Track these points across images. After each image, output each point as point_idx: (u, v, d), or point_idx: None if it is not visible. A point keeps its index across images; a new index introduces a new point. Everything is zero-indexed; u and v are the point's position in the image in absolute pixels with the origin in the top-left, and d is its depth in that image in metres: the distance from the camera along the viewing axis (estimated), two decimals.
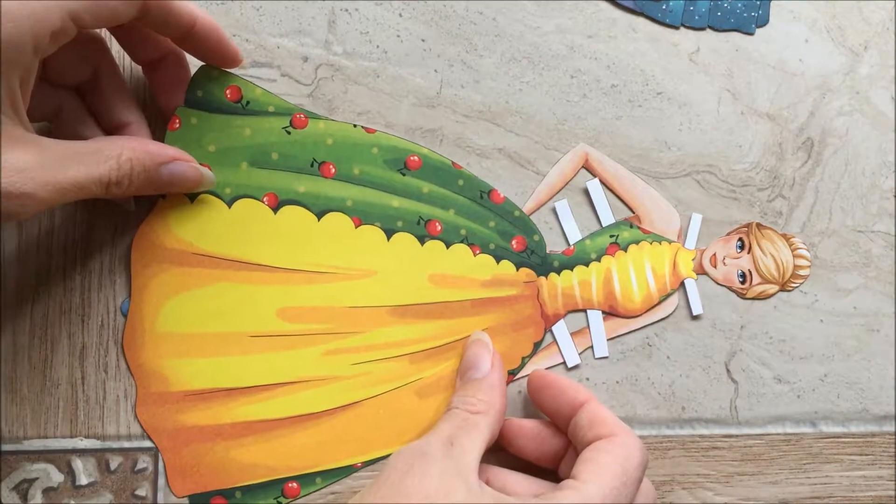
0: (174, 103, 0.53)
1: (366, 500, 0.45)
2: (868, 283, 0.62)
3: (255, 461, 0.54)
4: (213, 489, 0.54)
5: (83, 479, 0.54)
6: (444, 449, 0.47)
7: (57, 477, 0.54)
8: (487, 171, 0.58)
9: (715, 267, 0.60)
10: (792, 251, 0.61)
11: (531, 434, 0.54)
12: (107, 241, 0.55)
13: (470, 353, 0.54)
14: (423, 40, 0.58)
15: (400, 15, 0.58)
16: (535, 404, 0.54)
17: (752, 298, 0.60)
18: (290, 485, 0.55)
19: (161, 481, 0.54)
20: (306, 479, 0.55)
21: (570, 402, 0.52)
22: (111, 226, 0.55)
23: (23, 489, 0.53)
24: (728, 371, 0.60)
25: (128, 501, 0.54)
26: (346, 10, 0.57)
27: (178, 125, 0.54)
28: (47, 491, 0.54)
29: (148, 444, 0.54)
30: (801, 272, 0.61)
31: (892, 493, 0.61)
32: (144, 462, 0.54)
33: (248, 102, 0.55)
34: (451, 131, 0.58)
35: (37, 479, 0.54)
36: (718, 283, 0.60)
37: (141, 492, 0.54)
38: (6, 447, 0.53)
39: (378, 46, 0.58)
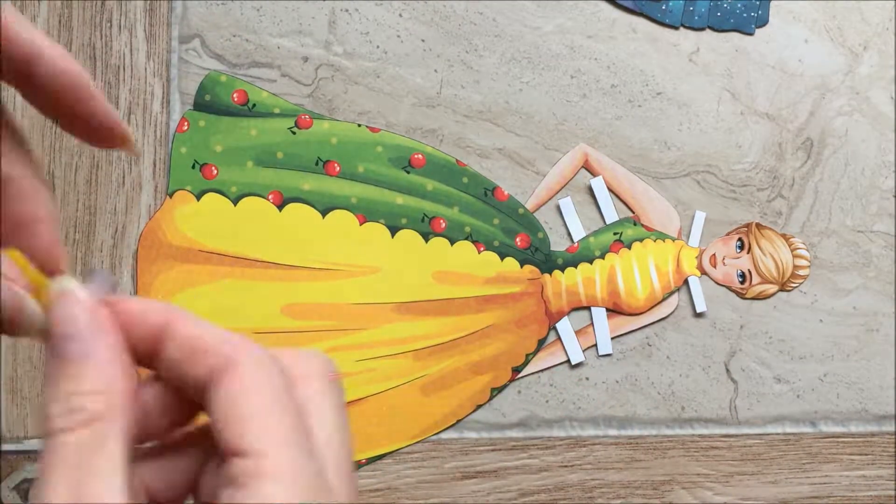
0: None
1: None
2: (867, 283, 0.63)
3: None
4: None
5: None
6: None
7: None
8: (487, 171, 0.60)
9: (715, 267, 0.62)
10: (791, 251, 0.62)
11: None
12: (107, 241, 0.56)
13: (58, 313, 0.31)
14: (423, 40, 0.60)
15: (400, 15, 0.60)
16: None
17: (752, 298, 0.62)
18: None
19: None
20: None
21: (147, 331, 0.32)
22: (112, 226, 0.56)
23: (23, 489, 0.55)
24: (728, 371, 0.61)
25: None
26: (346, 11, 0.59)
27: (186, 127, 0.57)
28: None
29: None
30: (801, 272, 0.62)
31: (892, 492, 0.62)
32: None
33: (254, 105, 0.57)
34: (451, 131, 0.60)
35: (37, 478, 0.54)
36: (718, 283, 0.62)
37: None
38: (7, 447, 0.55)
39: (378, 46, 0.60)
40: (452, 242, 0.59)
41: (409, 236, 0.58)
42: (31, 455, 0.55)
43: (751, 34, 0.63)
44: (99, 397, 0.31)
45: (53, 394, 0.31)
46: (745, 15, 0.63)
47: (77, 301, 0.32)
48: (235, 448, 0.29)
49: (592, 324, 0.60)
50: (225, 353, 0.30)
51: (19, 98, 0.54)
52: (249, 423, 0.29)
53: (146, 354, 0.32)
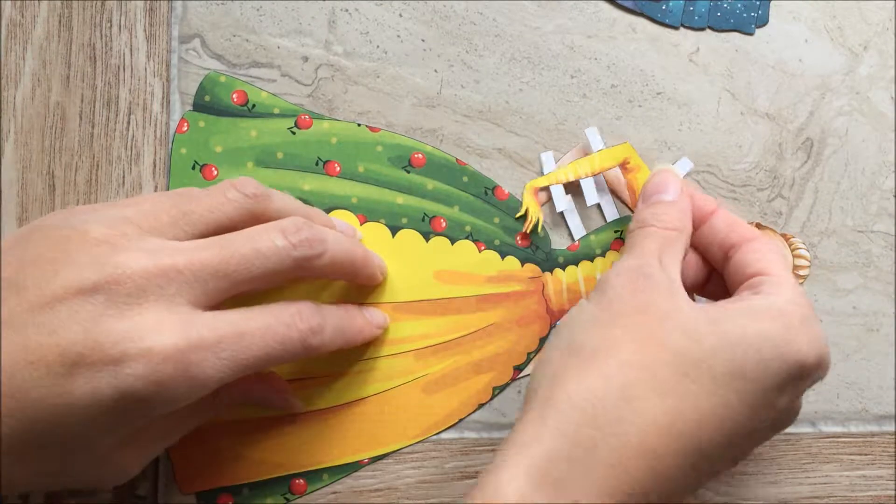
0: None
1: (603, 323, 0.48)
2: (868, 283, 0.63)
3: (262, 458, 0.57)
4: (221, 486, 0.56)
5: None
6: (659, 266, 0.49)
7: None
8: (487, 171, 0.60)
9: None
10: (792, 251, 0.62)
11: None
12: None
13: (657, 179, 0.55)
14: (423, 40, 0.60)
15: (400, 15, 0.60)
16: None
17: None
18: (297, 481, 0.57)
19: (162, 480, 0.56)
20: (313, 476, 0.57)
21: (699, 209, 0.54)
22: None
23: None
24: None
25: (128, 501, 0.56)
26: (346, 10, 0.60)
27: (185, 128, 0.57)
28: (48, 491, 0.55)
29: None
30: (801, 272, 0.62)
31: (892, 493, 0.62)
32: None
33: (253, 105, 0.58)
34: (451, 131, 0.60)
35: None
36: None
37: (141, 491, 0.56)
38: None
39: (378, 46, 0.60)
40: (453, 241, 0.59)
41: (409, 236, 0.59)
42: None
43: (751, 34, 0.63)
44: (676, 220, 0.52)
45: (645, 210, 0.53)
46: (745, 15, 0.63)
47: (671, 172, 0.55)
48: (763, 271, 0.50)
49: None
50: (751, 231, 0.53)
51: (19, 98, 0.54)
52: (772, 262, 0.51)
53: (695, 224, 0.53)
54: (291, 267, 0.47)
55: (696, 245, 0.54)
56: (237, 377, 0.45)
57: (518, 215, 0.60)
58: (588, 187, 0.61)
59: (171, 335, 0.42)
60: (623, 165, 0.61)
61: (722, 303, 0.49)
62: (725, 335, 0.46)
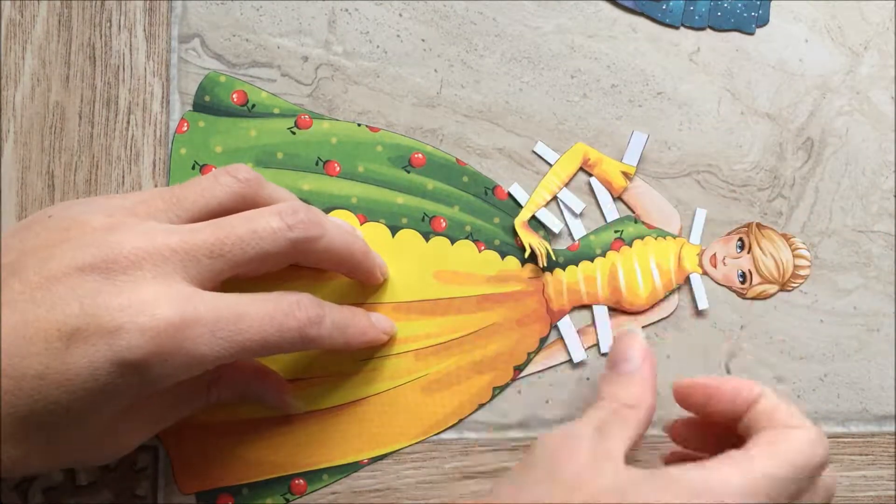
0: None
1: (516, 480, 0.47)
2: (868, 283, 0.64)
3: (261, 458, 0.57)
4: (220, 486, 0.56)
5: (83, 479, 0.56)
6: (592, 433, 0.47)
7: (57, 476, 0.56)
8: (487, 170, 0.61)
9: (715, 267, 0.62)
10: (792, 251, 0.63)
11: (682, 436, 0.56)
12: None
13: (621, 344, 0.54)
14: (423, 40, 0.61)
15: (400, 15, 0.60)
16: (700, 413, 0.54)
17: (752, 298, 0.62)
18: (296, 481, 0.57)
19: (161, 480, 0.57)
20: (313, 476, 0.57)
21: (744, 401, 0.50)
22: None
23: (23, 488, 0.55)
24: (728, 371, 0.62)
25: (128, 501, 0.56)
26: (346, 10, 0.60)
27: (185, 128, 0.57)
28: (47, 490, 0.55)
29: (148, 442, 0.55)
30: (802, 272, 0.63)
31: (892, 493, 0.62)
32: (144, 461, 0.56)
33: (253, 105, 0.58)
34: (451, 131, 0.60)
35: (37, 478, 0.56)
36: (718, 283, 0.62)
37: (141, 491, 0.56)
38: None
39: (378, 46, 0.60)
40: (453, 241, 0.59)
41: (409, 236, 0.59)
42: None
43: (751, 34, 0.64)
44: (634, 397, 0.50)
45: (608, 382, 0.52)
46: (745, 15, 0.63)
47: (636, 338, 0.54)
48: (786, 423, 0.48)
49: (594, 322, 0.61)
50: (754, 389, 0.50)
51: (19, 98, 0.55)
52: (789, 415, 0.49)
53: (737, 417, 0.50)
54: (288, 249, 0.48)
55: (743, 433, 0.50)
56: (234, 359, 0.45)
57: (526, 255, 0.60)
58: (569, 198, 0.61)
59: (167, 308, 0.42)
60: (585, 164, 0.61)
61: (658, 470, 0.45)
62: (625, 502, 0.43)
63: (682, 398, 0.53)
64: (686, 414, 0.55)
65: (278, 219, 0.47)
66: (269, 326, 0.46)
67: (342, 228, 0.52)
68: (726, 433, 0.51)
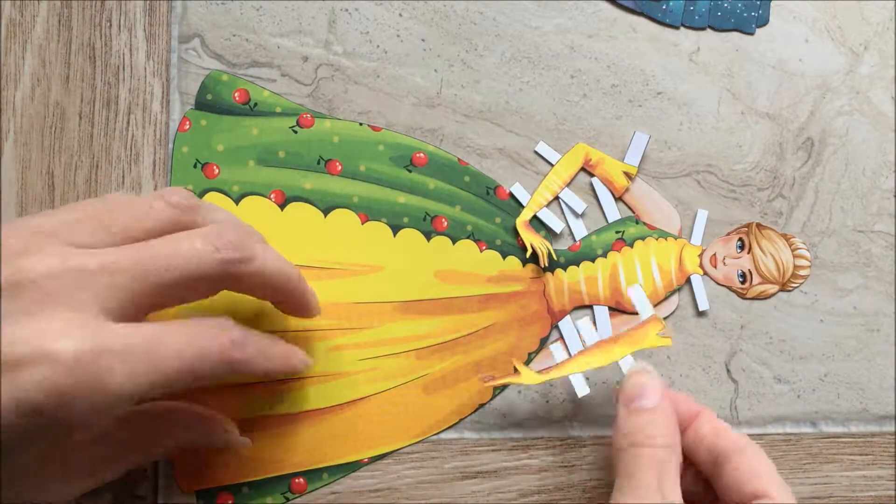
0: None
1: None
2: (868, 283, 0.64)
3: (261, 456, 0.57)
4: (220, 484, 0.57)
5: None
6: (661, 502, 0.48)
7: None
8: (487, 170, 0.61)
9: (715, 267, 0.63)
10: (792, 251, 0.63)
11: None
12: None
13: (634, 381, 0.53)
14: (423, 40, 0.61)
15: (400, 15, 0.61)
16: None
17: (752, 298, 0.63)
18: (296, 480, 0.57)
19: (161, 481, 0.57)
20: (313, 475, 0.58)
21: (685, 413, 0.53)
22: None
23: None
24: (728, 371, 0.62)
25: (128, 501, 0.56)
26: (346, 10, 0.60)
27: (187, 127, 0.58)
28: None
29: None
30: (801, 272, 0.63)
31: (892, 493, 0.63)
32: None
33: (255, 104, 0.58)
34: (451, 131, 0.61)
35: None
36: (718, 283, 0.63)
37: (141, 491, 0.56)
38: None
39: (378, 46, 0.61)
40: (454, 241, 0.60)
41: (410, 235, 0.59)
42: None
43: (751, 34, 0.64)
44: (666, 435, 0.50)
45: (630, 421, 0.52)
46: (745, 15, 0.64)
47: (648, 374, 0.54)
48: (760, 493, 0.48)
49: (595, 322, 0.61)
50: (741, 440, 0.51)
51: (19, 98, 0.55)
52: (770, 481, 0.49)
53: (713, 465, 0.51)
54: (217, 271, 0.45)
55: (684, 449, 0.52)
56: (157, 392, 0.42)
57: (528, 255, 0.61)
58: (570, 198, 0.62)
59: (74, 340, 0.39)
60: (587, 164, 0.61)
61: None
62: None
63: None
64: None
65: (203, 240, 0.45)
66: (189, 351, 0.43)
67: (277, 254, 0.49)
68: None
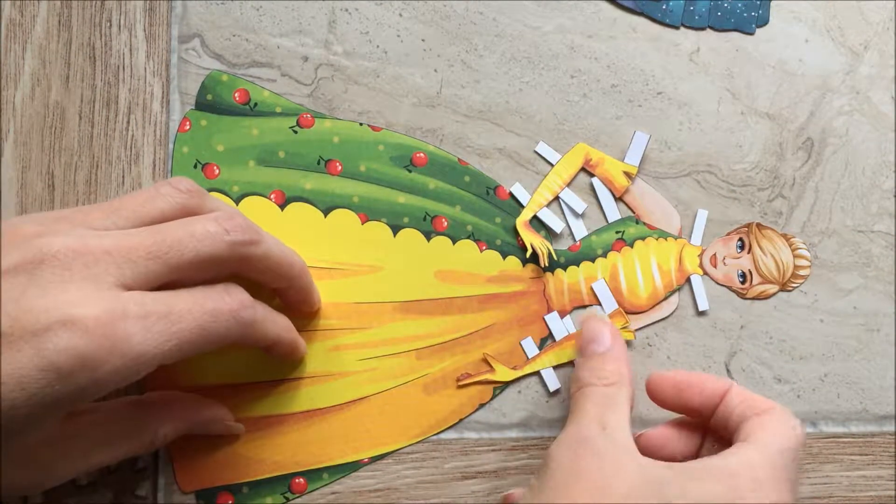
0: None
1: (540, 500, 0.47)
2: (868, 283, 0.64)
3: (261, 456, 0.57)
4: (220, 484, 0.57)
5: (83, 479, 0.56)
6: (598, 431, 0.49)
7: None
8: (488, 170, 0.61)
9: (715, 267, 0.63)
10: (792, 251, 0.63)
11: (659, 443, 0.55)
12: None
13: (588, 328, 0.55)
14: (423, 40, 0.61)
15: (400, 15, 0.61)
16: (671, 406, 0.55)
17: (752, 298, 0.63)
18: (296, 480, 0.58)
19: (161, 480, 0.57)
20: (313, 475, 0.58)
21: (713, 393, 0.53)
22: None
23: None
24: (728, 371, 0.63)
25: (128, 501, 0.56)
26: (346, 10, 0.60)
27: (187, 127, 0.58)
28: (47, 491, 0.55)
29: None
30: (802, 272, 0.63)
31: (892, 493, 0.63)
32: (144, 461, 0.57)
33: (255, 104, 0.59)
34: (451, 131, 0.61)
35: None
36: (718, 283, 0.63)
37: (141, 491, 0.57)
38: None
39: (378, 46, 0.61)
40: (454, 241, 0.60)
41: (410, 235, 0.59)
42: None
43: (751, 34, 0.64)
44: (614, 374, 0.52)
45: (582, 366, 0.53)
46: (745, 15, 0.64)
47: (600, 319, 0.56)
48: (761, 405, 0.51)
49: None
50: (765, 403, 0.51)
51: (19, 98, 0.55)
52: (761, 399, 0.51)
53: (709, 411, 0.53)
54: (227, 253, 0.47)
55: (715, 425, 0.53)
56: (175, 355, 0.44)
57: (528, 255, 0.61)
58: (570, 198, 0.62)
59: (94, 307, 0.41)
60: (587, 164, 0.62)
61: (679, 463, 0.48)
62: (666, 499, 0.45)
63: (654, 393, 0.55)
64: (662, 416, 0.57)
65: (215, 223, 0.47)
66: (202, 313, 0.45)
67: (281, 242, 0.52)
68: (687, 444, 0.55)
